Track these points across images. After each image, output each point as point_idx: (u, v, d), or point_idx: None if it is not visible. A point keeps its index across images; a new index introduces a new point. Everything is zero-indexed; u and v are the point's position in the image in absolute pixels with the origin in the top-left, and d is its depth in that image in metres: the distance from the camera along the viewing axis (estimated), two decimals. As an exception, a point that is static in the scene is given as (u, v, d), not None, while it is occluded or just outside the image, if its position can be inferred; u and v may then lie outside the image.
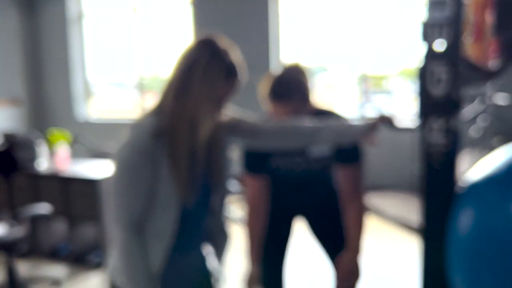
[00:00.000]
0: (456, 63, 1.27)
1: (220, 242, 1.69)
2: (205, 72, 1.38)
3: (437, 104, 1.32)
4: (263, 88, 1.81)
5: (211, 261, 1.70)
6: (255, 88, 1.83)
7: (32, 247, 3.99)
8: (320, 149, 1.85)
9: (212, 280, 1.70)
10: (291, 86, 1.76)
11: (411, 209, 4.53)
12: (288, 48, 5.83)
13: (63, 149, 3.84)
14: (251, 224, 1.96)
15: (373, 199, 4.65)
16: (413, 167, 5.14)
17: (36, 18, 6.93)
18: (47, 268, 3.70)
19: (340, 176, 1.87)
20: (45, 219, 3.83)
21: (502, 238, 1.20)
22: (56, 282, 3.38)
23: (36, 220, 3.13)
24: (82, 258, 3.78)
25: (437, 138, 1.32)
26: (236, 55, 1.43)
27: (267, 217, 1.97)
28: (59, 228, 4.04)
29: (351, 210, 1.87)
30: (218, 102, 1.43)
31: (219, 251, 1.70)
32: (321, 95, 5.83)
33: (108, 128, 6.13)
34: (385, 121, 1.35)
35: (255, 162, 1.92)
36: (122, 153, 1.40)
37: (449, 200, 1.38)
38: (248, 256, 1.99)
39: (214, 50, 1.40)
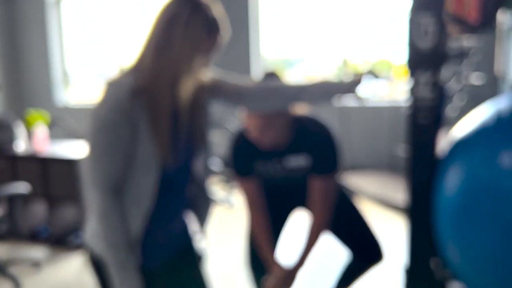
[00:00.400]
0: (442, 15, 1.23)
1: (202, 209, 1.62)
2: (186, 27, 1.30)
3: (424, 56, 1.28)
4: None
5: (193, 230, 1.64)
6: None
7: (11, 229, 3.87)
8: (297, 159, 1.81)
9: (194, 249, 1.64)
10: None
11: (391, 187, 4.55)
12: (268, 39, 5.81)
13: (41, 130, 3.72)
14: (256, 226, 1.92)
15: (353, 179, 4.65)
16: (391, 147, 5.18)
17: (14, 1, 6.71)
18: (27, 250, 3.59)
19: (312, 186, 1.82)
20: (23, 200, 3.70)
21: (494, 192, 1.15)
22: (36, 263, 3.26)
23: (15, 201, 3.01)
24: (63, 240, 3.67)
25: (424, 92, 1.28)
26: (217, 10, 1.36)
27: (267, 214, 1.92)
28: (39, 210, 3.92)
29: (313, 223, 1.85)
30: (200, 59, 1.36)
31: (202, 219, 1.63)
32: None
33: (87, 113, 5.97)
34: (369, 72, 1.32)
35: (243, 166, 1.88)
36: (97, 112, 1.31)
37: (436, 156, 1.34)
38: (265, 259, 1.90)
39: (195, 4, 1.32)
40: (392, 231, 3.72)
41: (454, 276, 1.32)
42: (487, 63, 4.36)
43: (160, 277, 1.49)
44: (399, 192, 4.33)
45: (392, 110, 5.18)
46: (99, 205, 1.32)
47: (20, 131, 3.81)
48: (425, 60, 1.27)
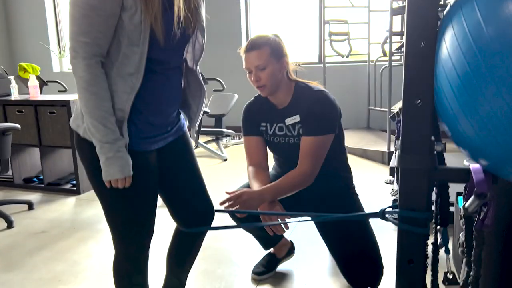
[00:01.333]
0: None
1: (196, 96, 1.50)
2: None
3: None
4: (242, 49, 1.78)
5: (186, 118, 1.54)
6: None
7: (5, 178, 3.76)
8: (293, 118, 1.81)
9: (186, 137, 1.52)
10: (264, 38, 1.75)
11: (368, 142, 4.55)
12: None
13: (32, 79, 3.57)
14: (254, 178, 1.83)
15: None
16: (369, 109, 5.16)
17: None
18: (21, 195, 3.47)
19: (301, 142, 1.79)
20: (16, 150, 3.58)
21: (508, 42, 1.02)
22: (29, 204, 3.15)
23: (5, 139, 2.85)
24: (56, 188, 3.56)
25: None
26: None
27: (267, 170, 1.90)
28: (32, 158, 3.81)
29: (295, 171, 1.76)
30: None
31: (195, 106, 1.51)
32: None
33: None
34: None
35: (249, 126, 1.93)
36: None
37: (434, 21, 1.21)
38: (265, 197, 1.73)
39: None
40: (371, 177, 3.69)
41: (463, 147, 1.21)
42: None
43: (149, 161, 1.35)
44: (375, 145, 4.38)
45: (372, 68, 5.14)
46: (84, 74, 1.18)
47: (12, 84, 3.68)
48: None
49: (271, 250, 2.12)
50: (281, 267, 2.13)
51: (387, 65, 4.36)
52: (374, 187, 3.37)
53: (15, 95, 3.66)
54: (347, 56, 4.97)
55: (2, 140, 2.73)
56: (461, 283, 1.26)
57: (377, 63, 5.04)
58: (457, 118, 1.15)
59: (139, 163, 1.29)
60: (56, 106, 3.35)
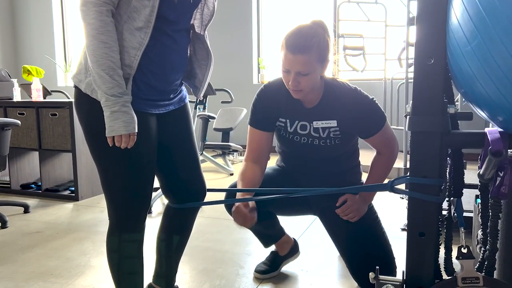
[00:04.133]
0: None
1: (202, 63, 1.52)
2: None
3: None
4: (283, 38, 1.60)
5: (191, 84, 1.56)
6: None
7: (2, 184, 3.80)
8: (327, 122, 1.74)
9: (187, 105, 1.55)
10: (315, 39, 1.56)
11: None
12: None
13: (36, 82, 3.65)
14: (244, 176, 1.75)
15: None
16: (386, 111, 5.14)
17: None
18: (17, 199, 3.48)
19: (370, 141, 1.80)
20: (15, 154, 3.62)
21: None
22: (25, 206, 3.16)
23: (4, 131, 2.90)
24: (54, 194, 3.57)
25: None
26: None
27: (263, 167, 1.81)
28: (31, 164, 3.84)
29: (382, 158, 1.81)
30: None
31: (202, 76, 1.53)
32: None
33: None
34: None
35: (262, 119, 1.79)
36: None
37: None
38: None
39: None
40: (386, 194, 3.64)
41: (481, 106, 1.20)
42: None
43: (148, 123, 1.37)
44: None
45: (388, 84, 5.18)
46: (94, 21, 1.20)
47: (15, 86, 3.76)
48: None
49: (273, 248, 2.09)
50: (286, 268, 2.10)
51: (404, 81, 4.39)
52: (388, 203, 3.34)
53: (17, 98, 3.74)
54: (362, 71, 5.02)
55: (1, 135, 2.77)
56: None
57: (393, 80, 5.07)
58: (471, 69, 1.14)
59: (138, 123, 1.30)
60: (59, 108, 3.41)
